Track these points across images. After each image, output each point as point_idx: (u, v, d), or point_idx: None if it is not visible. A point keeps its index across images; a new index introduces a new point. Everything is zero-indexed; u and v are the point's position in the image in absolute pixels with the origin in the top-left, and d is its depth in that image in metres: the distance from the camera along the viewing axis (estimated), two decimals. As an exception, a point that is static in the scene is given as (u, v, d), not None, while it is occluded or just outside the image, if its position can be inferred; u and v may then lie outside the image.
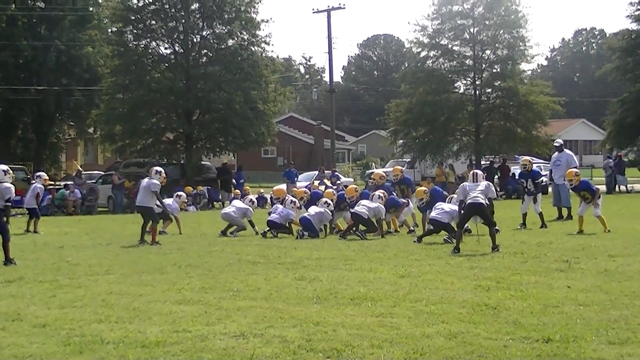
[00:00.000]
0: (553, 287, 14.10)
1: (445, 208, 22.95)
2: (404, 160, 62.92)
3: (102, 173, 56.52)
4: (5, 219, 19.66)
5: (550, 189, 28.47)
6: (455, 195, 23.83)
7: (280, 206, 27.20)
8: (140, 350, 9.81)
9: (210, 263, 18.92)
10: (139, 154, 56.19)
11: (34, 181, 31.09)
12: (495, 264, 17.41)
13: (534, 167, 29.16)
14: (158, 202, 25.11)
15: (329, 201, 26.04)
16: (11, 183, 20.11)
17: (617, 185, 54.90)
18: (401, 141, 63.23)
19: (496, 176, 50.30)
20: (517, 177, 32.35)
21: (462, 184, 22.32)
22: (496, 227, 21.60)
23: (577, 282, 14.51)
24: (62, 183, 49.83)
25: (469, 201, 20.47)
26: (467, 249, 19.67)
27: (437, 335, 10.34)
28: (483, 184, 21.01)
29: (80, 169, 56.57)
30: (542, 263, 17.43)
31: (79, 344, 10.22)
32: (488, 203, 21.05)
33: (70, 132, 71.19)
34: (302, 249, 21.58)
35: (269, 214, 27.29)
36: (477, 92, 62.05)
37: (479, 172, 22.48)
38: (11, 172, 20.93)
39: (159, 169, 26.23)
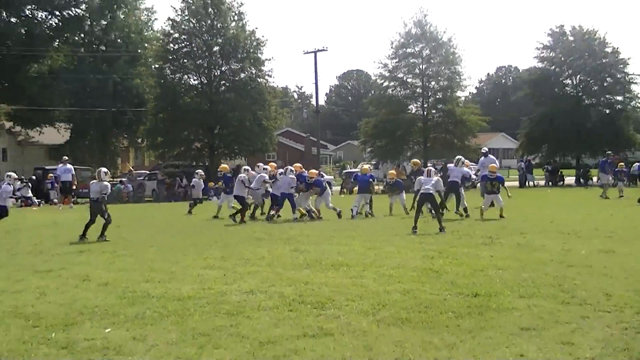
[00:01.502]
0: (480, 256, 14.13)
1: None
2: (371, 163, 62.82)
3: (148, 172, 56.46)
4: (103, 207, 19.66)
5: (478, 185, 28.27)
6: None
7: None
8: (176, 302, 9.81)
9: (228, 239, 18.90)
10: (175, 158, 56.28)
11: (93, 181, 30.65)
12: (437, 240, 17.41)
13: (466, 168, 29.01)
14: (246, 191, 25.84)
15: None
16: (108, 181, 20.25)
17: (527, 182, 55.09)
18: (369, 149, 63.47)
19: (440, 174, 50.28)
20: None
21: (418, 178, 22.30)
22: (442, 212, 21.69)
23: (498, 253, 14.55)
24: (118, 179, 49.64)
25: (422, 191, 20.51)
26: (421, 230, 19.68)
27: (394, 292, 10.36)
28: (434, 179, 21.02)
29: (132, 169, 56.44)
30: (472, 239, 17.46)
31: (131, 298, 10.23)
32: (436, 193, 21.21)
33: (124, 142, 70.95)
34: (295, 228, 21.51)
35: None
36: (425, 113, 62.11)
37: (432, 169, 22.42)
38: (109, 173, 20.99)
39: (247, 167, 27.55)
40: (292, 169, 26.00)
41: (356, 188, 29.26)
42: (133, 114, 63.33)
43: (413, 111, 63.39)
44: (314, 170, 27.29)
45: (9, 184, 24.28)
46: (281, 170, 26.57)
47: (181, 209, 32.39)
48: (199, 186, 31.69)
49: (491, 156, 30.61)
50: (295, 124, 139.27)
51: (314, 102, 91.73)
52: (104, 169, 20.64)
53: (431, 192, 20.46)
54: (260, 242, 17.92)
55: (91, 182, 20.92)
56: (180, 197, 44.15)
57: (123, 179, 49.38)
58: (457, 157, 27.48)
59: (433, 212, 21.70)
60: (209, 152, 56.56)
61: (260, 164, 27.97)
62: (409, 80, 62.65)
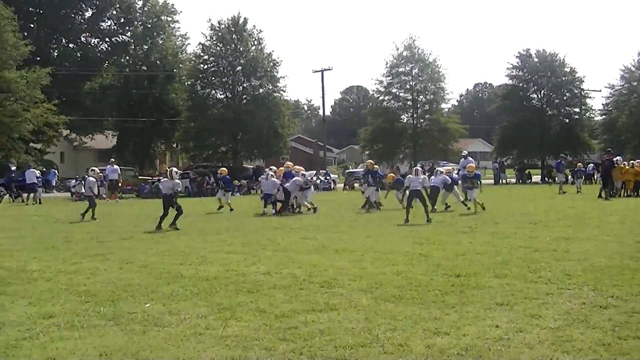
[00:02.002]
0: (461, 243, 14.08)
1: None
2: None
3: (181, 171, 56.23)
4: (175, 200, 19.78)
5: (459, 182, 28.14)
6: None
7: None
8: (205, 282, 9.77)
9: (248, 228, 18.88)
10: (204, 160, 56.26)
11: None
12: (425, 229, 17.38)
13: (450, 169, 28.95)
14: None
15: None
16: (178, 179, 20.30)
17: (500, 180, 55.06)
18: (367, 152, 63.37)
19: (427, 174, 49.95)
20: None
21: (407, 176, 22.22)
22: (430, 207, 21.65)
23: (476, 240, 14.49)
24: (156, 178, 49.56)
25: (411, 188, 20.46)
26: (412, 221, 19.62)
27: (389, 273, 10.31)
28: (421, 177, 20.94)
29: (168, 169, 56.36)
30: (454, 228, 17.43)
31: (167, 278, 10.19)
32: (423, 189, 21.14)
33: (161, 147, 70.96)
34: (305, 219, 21.51)
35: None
36: (414, 122, 62.26)
37: (419, 169, 22.33)
38: (179, 172, 21.00)
39: (273, 167, 26.46)
40: (273, 173, 25.45)
41: (357, 184, 28.85)
42: (169, 123, 63.27)
43: (404, 120, 63.46)
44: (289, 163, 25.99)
45: (93, 177, 24.36)
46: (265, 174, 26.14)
47: (209, 203, 32.30)
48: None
49: (470, 158, 30.58)
50: (305, 131, 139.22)
51: (321, 112, 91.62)
52: (174, 169, 20.69)
53: (419, 188, 20.42)
54: (275, 230, 17.89)
55: (162, 179, 20.86)
56: (209, 193, 43.94)
57: (160, 178, 49.15)
58: (436, 169, 27.26)
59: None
60: (233, 154, 56.59)
61: (269, 168, 27.17)
62: (401, 94, 62.83)
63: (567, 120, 63.67)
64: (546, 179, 55.75)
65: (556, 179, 40.47)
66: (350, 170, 62.81)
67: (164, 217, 19.21)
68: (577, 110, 64.69)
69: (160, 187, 22.65)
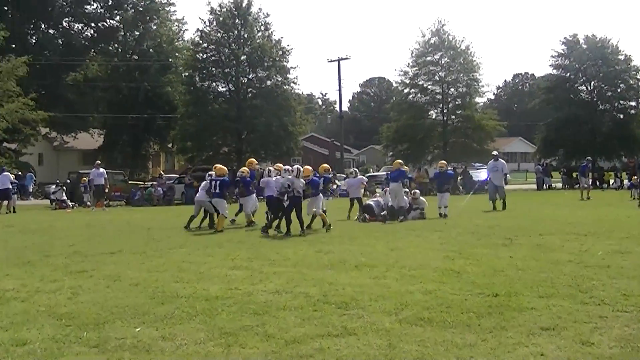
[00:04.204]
0: (499, 256, 13.99)
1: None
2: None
3: (178, 176, 56.35)
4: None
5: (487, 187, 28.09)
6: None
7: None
8: (205, 302, 9.75)
9: (253, 240, 18.87)
10: (204, 162, 56.36)
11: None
12: (457, 241, 17.26)
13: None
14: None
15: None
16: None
17: (544, 185, 54.97)
18: (390, 153, 63.44)
19: (460, 178, 49.78)
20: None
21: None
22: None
23: (517, 253, 14.39)
24: (149, 183, 49.66)
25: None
26: (438, 229, 19.52)
27: (417, 292, 10.26)
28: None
29: (162, 173, 56.50)
30: (491, 240, 17.32)
31: (161, 298, 10.19)
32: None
33: (155, 147, 71.36)
34: (319, 230, 21.46)
35: None
36: (444, 118, 62.28)
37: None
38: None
39: (288, 167, 23.82)
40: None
41: (379, 190, 28.72)
42: (164, 120, 63.67)
43: (433, 117, 63.53)
44: (308, 167, 24.06)
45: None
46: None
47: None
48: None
49: (501, 160, 30.35)
50: (320, 129, 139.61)
51: (337, 108, 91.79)
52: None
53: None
54: (285, 243, 17.87)
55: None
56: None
57: (154, 183, 49.24)
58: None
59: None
60: (237, 156, 56.61)
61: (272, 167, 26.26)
62: (429, 87, 62.84)
63: (621, 116, 63.26)
64: (597, 183, 55.41)
65: (580, 184, 40.34)
66: (372, 173, 62.82)
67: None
68: (632, 104, 64.25)
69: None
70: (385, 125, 65.73)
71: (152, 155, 72.94)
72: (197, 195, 23.88)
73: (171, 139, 63.58)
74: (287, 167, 22.26)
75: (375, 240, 17.96)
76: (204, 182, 23.78)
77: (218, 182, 22.67)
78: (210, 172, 23.98)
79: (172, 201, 45.47)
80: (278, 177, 21.94)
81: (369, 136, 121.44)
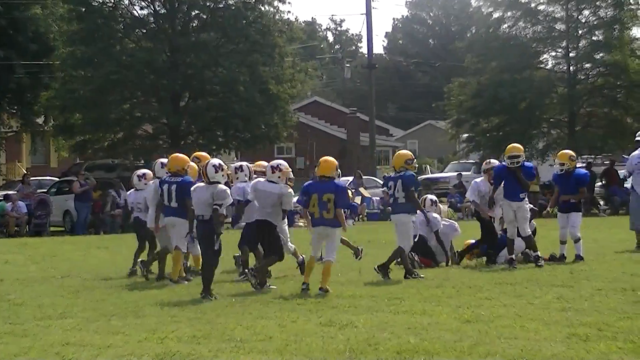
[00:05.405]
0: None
1: None
2: (469, 162, 62.72)
3: (57, 179, 56.02)
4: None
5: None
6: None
7: None
8: None
9: (204, 302, 18.91)
10: (107, 153, 56.20)
11: None
12: (595, 305, 17.24)
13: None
14: None
15: None
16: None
17: None
18: (466, 135, 63.24)
19: (600, 183, 49.26)
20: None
21: None
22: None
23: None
24: (2, 193, 49.65)
25: None
26: (557, 284, 19.61)
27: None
28: None
29: (27, 174, 56.59)
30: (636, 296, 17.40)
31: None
32: None
33: (11, 123, 71.06)
34: (330, 282, 21.35)
35: None
36: (572, 69, 61.97)
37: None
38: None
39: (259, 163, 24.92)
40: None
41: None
42: (28, 70, 63.55)
43: (549, 65, 63.48)
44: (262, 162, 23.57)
45: None
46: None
47: (119, 247, 32.48)
48: None
49: None
50: (331, 89, 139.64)
51: (363, 49, 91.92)
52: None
53: None
54: (264, 307, 17.90)
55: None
56: (118, 225, 43.99)
57: (11, 193, 48.90)
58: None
59: None
60: (170, 141, 56.38)
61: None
62: (541, 7, 62.75)
63: None
64: None
65: None
66: (429, 175, 63.04)
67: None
68: None
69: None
70: (456, 81, 65.64)
71: (7, 139, 72.96)
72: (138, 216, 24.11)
73: (42, 107, 63.53)
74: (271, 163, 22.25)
75: (437, 303, 17.99)
76: (151, 187, 23.45)
77: (175, 187, 22.41)
78: (145, 172, 24.24)
79: (47, 227, 45.61)
80: (259, 180, 21.92)
81: (425, 104, 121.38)
